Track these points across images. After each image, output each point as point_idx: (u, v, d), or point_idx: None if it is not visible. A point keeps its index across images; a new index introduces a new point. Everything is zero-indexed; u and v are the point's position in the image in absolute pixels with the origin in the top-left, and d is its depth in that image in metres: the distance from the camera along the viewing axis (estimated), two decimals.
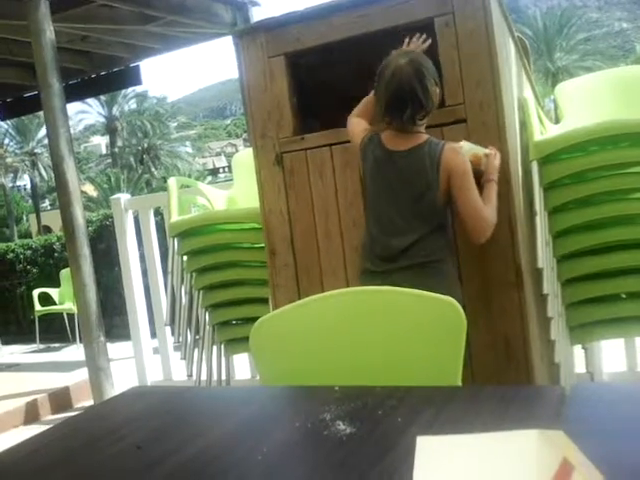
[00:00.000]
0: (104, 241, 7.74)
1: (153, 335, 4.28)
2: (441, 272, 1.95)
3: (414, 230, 1.97)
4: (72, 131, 4.49)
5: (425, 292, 1.25)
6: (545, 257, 2.28)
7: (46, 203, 41.98)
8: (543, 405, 0.99)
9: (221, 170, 54.82)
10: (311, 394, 1.19)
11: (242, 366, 3.70)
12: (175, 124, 45.49)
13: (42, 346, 7.82)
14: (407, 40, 2.14)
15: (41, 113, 4.18)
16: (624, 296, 2.42)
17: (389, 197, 2.02)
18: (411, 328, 1.29)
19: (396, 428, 0.96)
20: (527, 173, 2.35)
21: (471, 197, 1.93)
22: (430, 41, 2.15)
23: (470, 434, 0.77)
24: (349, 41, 2.28)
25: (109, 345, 4.11)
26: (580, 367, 2.72)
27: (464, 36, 2.14)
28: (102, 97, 38.95)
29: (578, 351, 2.66)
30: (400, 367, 1.28)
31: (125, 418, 1.22)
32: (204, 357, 3.10)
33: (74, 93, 6.32)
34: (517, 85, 2.47)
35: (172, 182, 3.31)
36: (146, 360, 4.29)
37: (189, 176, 29.33)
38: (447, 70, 2.17)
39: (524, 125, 2.40)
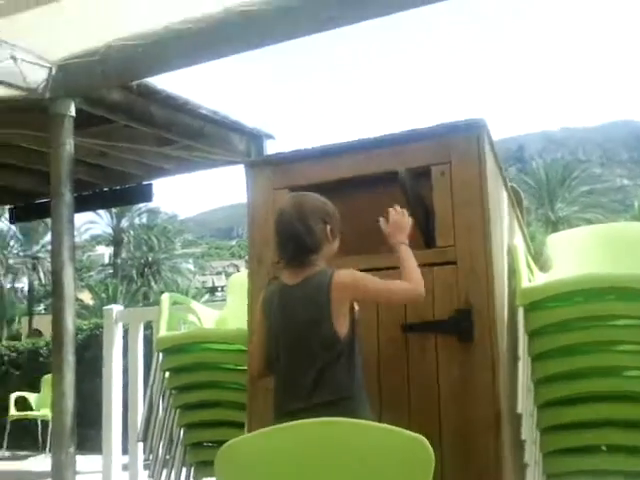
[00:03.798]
0: (91, 350, 7.64)
1: (124, 451, 4.15)
2: (350, 412, 1.78)
3: (317, 360, 1.94)
4: (78, 239, 4.59)
5: (393, 427, 1.25)
6: (525, 403, 2.25)
7: (41, 307, 41.69)
8: None
9: (219, 289, 54.89)
10: None
11: None
12: (181, 241, 46.08)
13: (8, 453, 7.51)
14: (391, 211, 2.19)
15: (48, 219, 4.28)
16: (604, 448, 2.37)
17: (289, 328, 2.03)
18: (379, 462, 1.27)
19: None
20: (513, 318, 2.38)
21: (379, 290, 2.02)
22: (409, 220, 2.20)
23: None
24: (348, 181, 2.40)
25: (80, 457, 3.96)
26: None
27: (458, 185, 2.24)
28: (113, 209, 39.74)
29: None
30: None
31: None
32: (172, 478, 2.98)
33: (85, 204, 6.43)
34: (508, 232, 2.56)
35: (165, 298, 3.34)
36: (114, 476, 4.14)
37: (187, 292, 29.36)
38: (440, 214, 2.26)
39: (513, 271, 2.46)
